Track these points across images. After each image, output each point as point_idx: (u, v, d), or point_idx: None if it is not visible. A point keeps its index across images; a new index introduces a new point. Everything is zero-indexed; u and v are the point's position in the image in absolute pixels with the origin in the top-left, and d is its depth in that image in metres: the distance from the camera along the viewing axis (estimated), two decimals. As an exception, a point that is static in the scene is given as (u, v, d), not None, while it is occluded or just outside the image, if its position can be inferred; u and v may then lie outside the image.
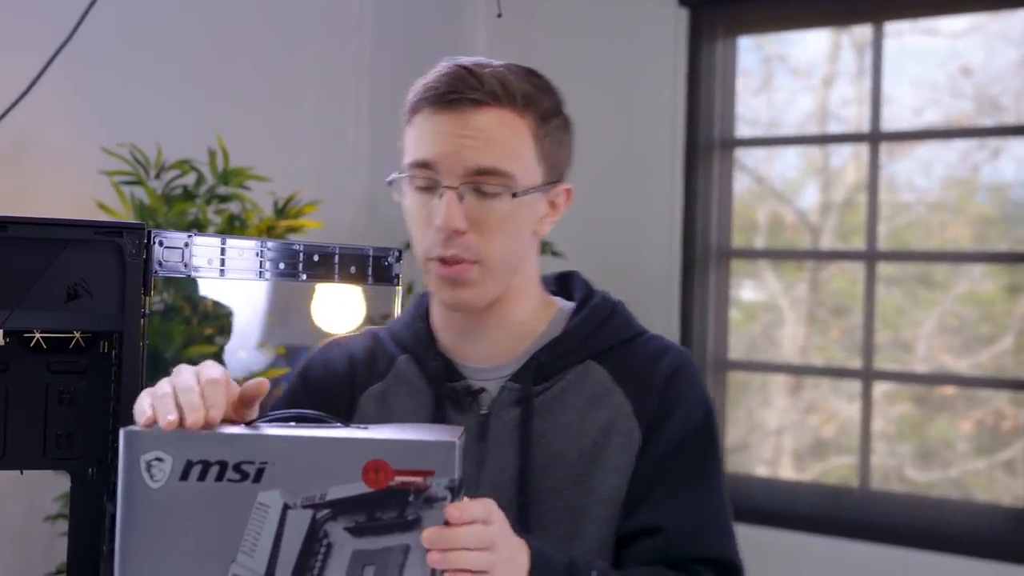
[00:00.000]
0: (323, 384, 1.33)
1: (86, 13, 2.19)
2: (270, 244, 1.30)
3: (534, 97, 1.20)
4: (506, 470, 1.22)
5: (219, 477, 0.90)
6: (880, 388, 3.40)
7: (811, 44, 3.57)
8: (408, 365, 1.29)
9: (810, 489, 3.59)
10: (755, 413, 3.71)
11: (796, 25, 3.55)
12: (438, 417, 1.27)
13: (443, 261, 1.19)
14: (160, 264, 1.19)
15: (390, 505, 0.90)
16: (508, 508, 1.11)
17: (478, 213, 1.16)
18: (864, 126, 3.37)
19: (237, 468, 0.90)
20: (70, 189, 2.76)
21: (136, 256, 1.16)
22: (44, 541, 1.68)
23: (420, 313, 1.31)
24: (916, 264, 3.42)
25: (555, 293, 1.32)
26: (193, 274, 1.25)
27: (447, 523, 0.94)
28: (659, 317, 3.40)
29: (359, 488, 0.90)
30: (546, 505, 1.21)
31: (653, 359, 1.26)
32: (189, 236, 1.22)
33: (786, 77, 3.66)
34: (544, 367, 1.23)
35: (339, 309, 2.44)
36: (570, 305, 1.28)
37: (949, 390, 3.36)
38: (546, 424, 1.23)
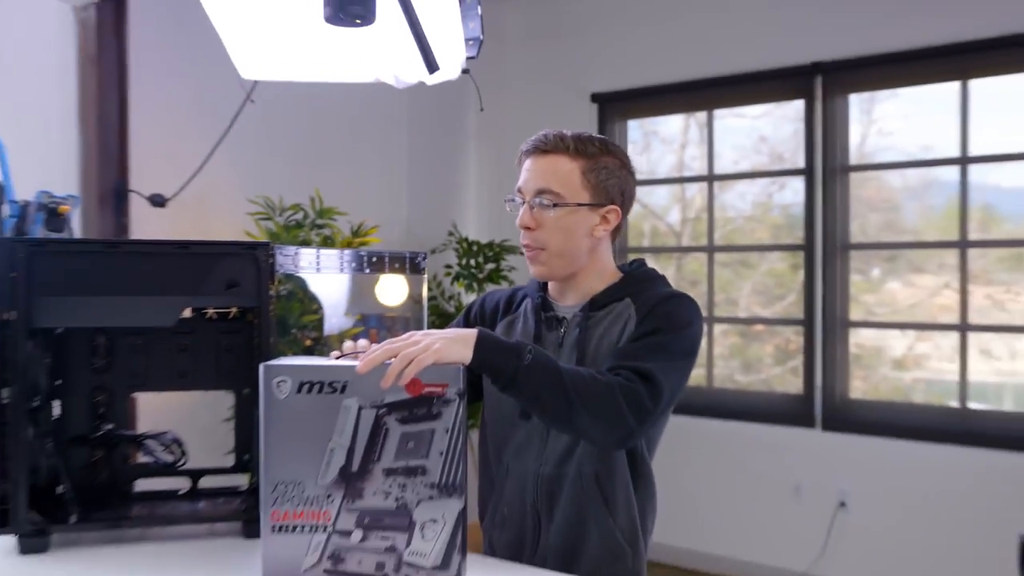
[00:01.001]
0: (477, 318, 1.72)
1: (235, 117, 2.98)
2: (346, 252, 1.66)
3: (586, 149, 1.56)
4: (571, 364, 1.52)
5: (320, 391, 1.15)
6: (719, 328, 4.67)
7: (672, 123, 4.85)
8: (527, 305, 1.67)
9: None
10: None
11: (662, 112, 4.82)
12: (536, 334, 1.61)
13: (526, 247, 1.60)
14: (280, 267, 1.54)
15: (422, 405, 1.16)
16: None
17: (540, 217, 1.56)
18: (704, 171, 4.66)
19: (330, 385, 1.15)
20: (229, 224, 3.57)
21: (265, 262, 1.48)
22: (223, 435, 1.85)
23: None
24: (738, 253, 4.66)
25: (625, 271, 1.66)
26: (299, 272, 1.60)
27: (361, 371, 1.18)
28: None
29: (403, 395, 1.16)
30: None
31: (659, 294, 1.57)
32: (296, 250, 1.56)
33: (657, 144, 4.91)
34: (596, 302, 1.59)
35: (390, 291, 2.50)
36: None
37: (759, 327, 4.63)
38: (592, 333, 1.57)
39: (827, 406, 4.17)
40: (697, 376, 4.60)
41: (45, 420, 1.52)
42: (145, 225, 3.29)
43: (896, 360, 4.23)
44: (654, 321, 1.50)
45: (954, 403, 3.99)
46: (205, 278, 1.49)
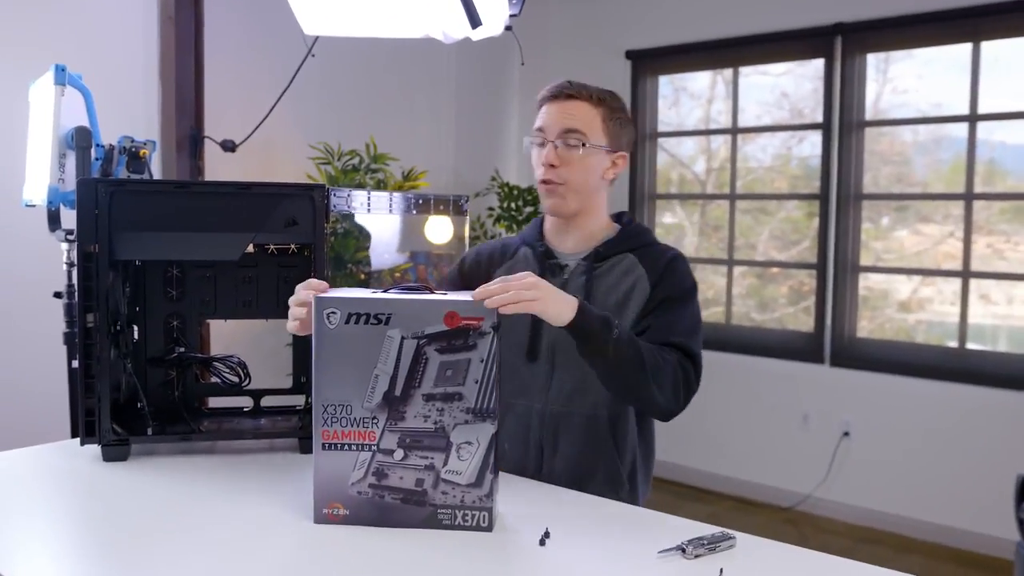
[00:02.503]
0: (471, 268, 1.65)
1: (298, 70, 2.85)
2: (396, 194, 1.63)
3: (604, 99, 1.54)
4: None
5: (366, 322, 1.13)
6: (738, 270, 4.56)
7: (700, 80, 4.71)
8: (526, 252, 1.62)
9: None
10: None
11: (691, 69, 4.67)
12: (540, 277, 1.46)
13: (545, 183, 1.54)
14: (335, 207, 1.51)
15: (459, 336, 1.13)
16: None
17: (564, 155, 1.51)
18: (728, 125, 4.55)
19: (376, 317, 1.13)
20: (292, 168, 3.60)
21: (320, 202, 1.47)
22: (284, 358, 1.79)
23: (537, 225, 1.65)
24: (758, 201, 4.56)
25: (615, 221, 1.63)
26: (354, 212, 1.61)
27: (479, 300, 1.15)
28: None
29: (442, 327, 1.13)
30: None
31: (662, 253, 1.55)
32: (349, 192, 1.53)
33: (686, 98, 4.77)
34: (600, 254, 1.55)
35: (437, 230, 2.58)
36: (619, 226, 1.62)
37: (775, 270, 4.51)
38: (598, 284, 1.52)
39: (835, 344, 4.10)
40: (716, 313, 4.55)
41: (125, 343, 1.53)
42: (218, 168, 3.28)
43: (901, 302, 4.13)
44: (670, 287, 1.49)
45: (953, 343, 3.90)
46: (267, 217, 1.47)
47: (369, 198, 1.60)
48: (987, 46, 3.70)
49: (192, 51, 3.20)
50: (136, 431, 1.50)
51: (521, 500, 1.30)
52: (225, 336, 2.65)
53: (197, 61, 3.23)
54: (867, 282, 4.17)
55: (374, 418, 1.15)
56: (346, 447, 1.16)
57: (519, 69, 4.82)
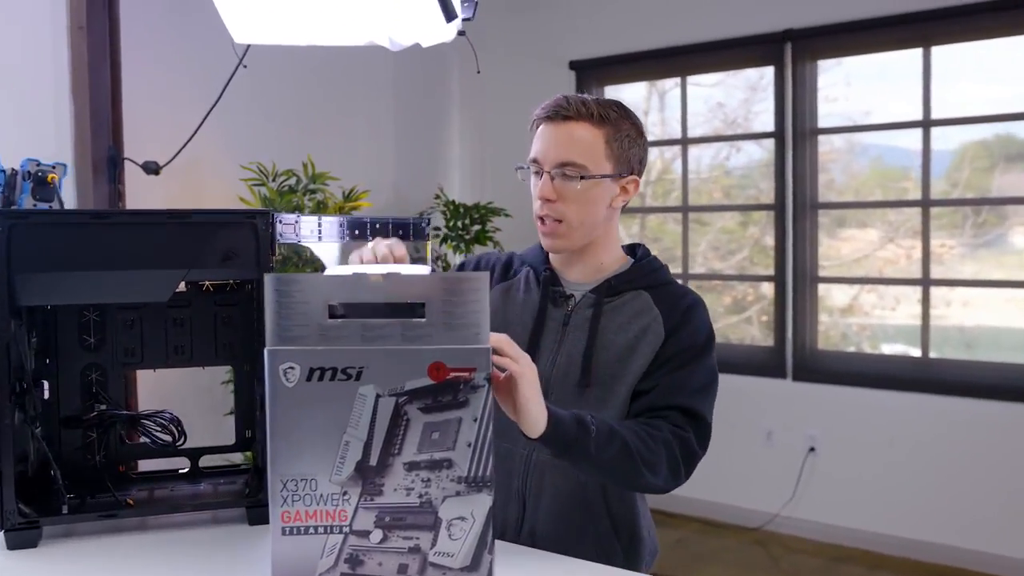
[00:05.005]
0: None
1: (227, 83, 2.62)
2: (348, 219, 1.44)
3: (608, 115, 1.35)
4: (578, 346, 1.37)
5: (332, 377, 0.94)
6: (691, 283, 4.38)
7: (635, 91, 4.65)
8: (529, 275, 1.48)
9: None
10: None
11: (637, 79, 4.61)
12: (542, 308, 1.42)
13: (542, 221, 1.39)
14: (281, 235, 1.34)
15: (447, 392, 0.94)
16: (577, 369, 1.31)
17: (562, 189, 1.36)
18: (668, 136, 4.49)
19: (344, 371, 0.94)
20: (222, 190, 3.34)
21: (265, 231, 1.28)
22: (225, 409, 1.68)
23: (543, 248, 1.48)
24: (696, 213, 4.50)
25: (628, 254, 1.49)
26: (303, 241, 1.39)
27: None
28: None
29: (426, 381, 0.94)
30: (600, 370, 1.34)
31: (680, 296, 1.41)
32: (297, 218, 1.36)
33: None
34: (612, 287, 1.41)
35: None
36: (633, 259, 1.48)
37: (716, 281, 4.49)
38: (607, 321, 1.38)
39: (797, 357, 4.02)
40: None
41: (33, 405, 1.29)
42: (140, 193, 3.02)
43: (842, 309, 4.13)
44: (686, 338, 1.36)
45: (916, 352, 3.86)
46: (201, 249, 1.26)
47: (320, 225, 1.41)
48: (938, 51, 3.69)
49: (107, 63, 2.94)
50: (49, 510, 1.26)
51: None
52: (161, 389, 2.37)
53: (114, 74, 2.96)
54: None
55: (345, 493, 0.95)
56: (311, 530, 0.95)
57: (460, 81, 4.67)
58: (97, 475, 1.38)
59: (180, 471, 1.47)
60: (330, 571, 0.96)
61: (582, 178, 1.34)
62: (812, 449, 3.92)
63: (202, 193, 3.32)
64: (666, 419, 1.29)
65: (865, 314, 4.04)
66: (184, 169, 3.13)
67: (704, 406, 1.33)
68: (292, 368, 0.94)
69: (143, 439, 1.41)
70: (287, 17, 2.19)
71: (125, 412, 1.41)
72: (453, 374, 0.94)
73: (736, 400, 4.08)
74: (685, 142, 4.43)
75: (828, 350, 4.06)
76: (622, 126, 1.37)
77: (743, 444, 4.11)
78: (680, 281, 4.47)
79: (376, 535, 0.96)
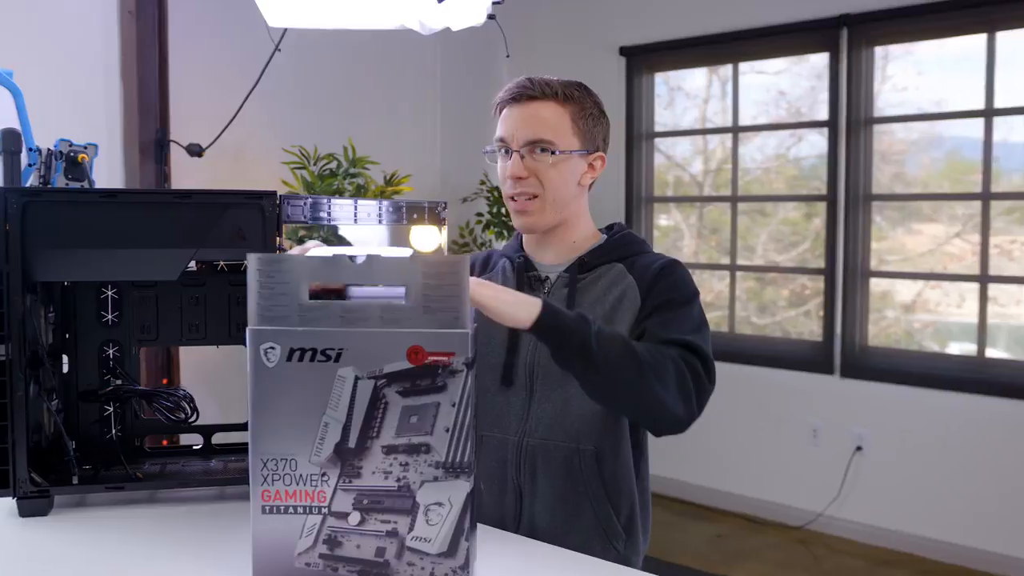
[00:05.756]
0: None
1: (265, 67, 2.81)
2: (365, 203, 1.41)
3: (572, 94, 1.38)
4: None
5: (312, 358, 0.94)
6: (737, 273, 4.44)
7: (695, 78, 4.59)
8: (506, 265, 1.49)
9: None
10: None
11: (688, 66, 4.53)
12: (518, 291, 1.33)
13: (513, 199, 1.40)
14: (288, 216, 1.30)
15: (426, 376, 0.93)
16: None
17: (532, 166, 1.37)
18: (726, 124, 4.41)
19: (324, 353, 0.94)
20: (266, 172, 3.41)
21: (271, 212, 1.27)
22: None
23: (518, 236, 1.52)
24: (756, 203, 4.42)
25: (604, 232, 1.49)
26: (309, 222, 1.35)
27: None
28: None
29: (404, 364, 0.93)
30: None
31: (652, 261, 1.40)
32: (306, 200, 1.33)
33: (682, 97, 4.66)
34: (585, 264, 1.41)
35: (424, 240, 2.95)
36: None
37: (774, 273, 4.40)
38: (582, 297, 1.38)
39: (846, 353, 3.91)
40: (718, 319, 4.38)
41: (48, 376, 1.33)
42: (185, 174, 3.10)
43: (905, 305, 3.97)
44: (666, 292, 1.34)
45: (972, 350, 3.71)
46: (209, 229, 1.27)
47: (329, 207, 1.39)
48: (1003, 37, 3.53)
49: (156, 48, 3.01)
50: (60, 480, 1.30)
51: (497, 566, 1.10)
52: (204, 366, 2.43)
53: (161, 58, 3.04)
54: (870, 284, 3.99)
55: (324, 475, 0.96)
56: (291, 510, 0.96)
57: (508, 65, 4.63)
58: (113, 448, 1.42)
59: (194, 447, 1.50)
60: (309, 551, 0.96)
61: (552, 153, 1.35)
62: (859, 448, 3.82)
63: (245, 175, 3.38)
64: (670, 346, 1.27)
65: (929, 311, 3.92)
66: (228, 152, 3.23)
67: (703, 342, 1.30)
68: (273, 348, 0.95)
69: (158, 415, 1.44)
70: (319, 1, 2.20)
71: (139, 388, 1.45)
72: (431, 358, 0.93)
73: (781, 395, 4.05)
74: (736, 130, 4.33)
75: (878, 346, 3.93)
76: (586, 104, 1.39)
77: (787, 440, 4.03)
78: (727, 273, 4.47)
79: (354, 517, 0.96)
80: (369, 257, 0.95)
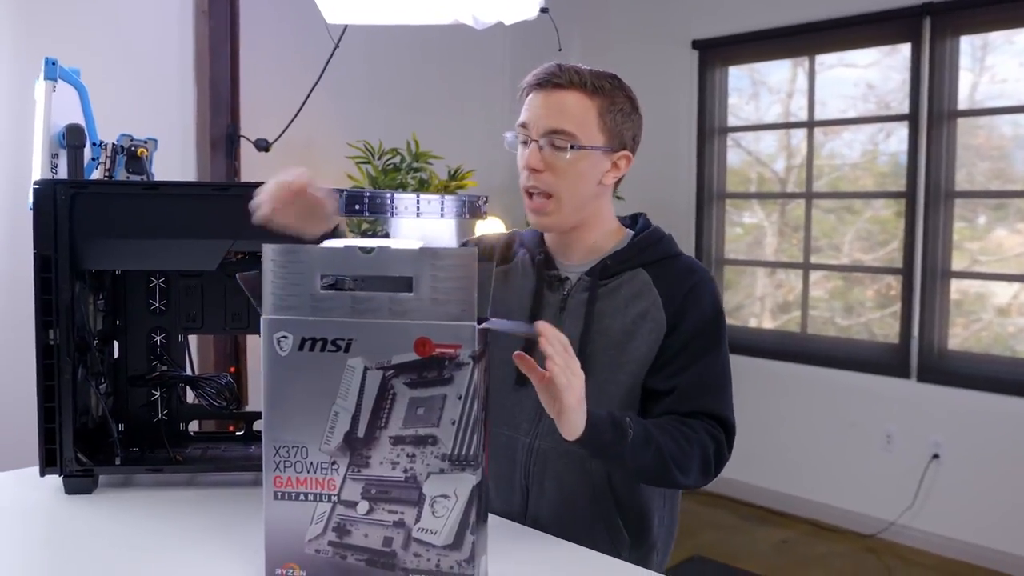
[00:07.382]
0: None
1: (327, 63, 2.83)
2: (402, 196, 1.44)
3: (602, 87, 1.29)
4: (574, 334, 1.29)
5: (323, 348, 0.96)
6: (821, 272, 4.22)
7: (779, 71, 4.36)
8: (525, 258, 1.42)
9: (775, 333, 4.35)
10: (747, 289, 4.51)
11: (764, 58, 4.33)
12: (537, 293, 1.37)
13: (529, 195, 1.32)
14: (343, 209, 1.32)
15: (433, 367, 0.94)
16: None
17: (550, 159, 1.29)
18: (806, 119, 4.23)
19: (334, 343, 0.96)
20: (332, 167, 3.40)
21: None
22: None
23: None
24: (843, 200, 4.21)
25: (628, 226, 1.41)
26: (343, 215, 1.35)
27: (540, 336, 1.04)
28: (683, 232, 4.27)
29: (412, 356, 0.94)
30: (597, 357, 1.29)
31: (683, 273, 1.33)
32: (344, 192, 1.33)
33: (765, 92, 4.45)
34: (608, 268, 1.34)
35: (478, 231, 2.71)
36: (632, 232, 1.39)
37: (859, 273, 4.16)
38: (603, 305, 1.32)
39: (923, 357, 3.75)
40: (791, 321, 4.26)
41: (95, 361, 1.39)
42: (253, 169, 3.18)
43: (1000, 308, 3.74)
44: (697, 325, 1.28)
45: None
46: (247, 221, 1.27)
47: (367, 200, 1.39)
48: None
49: (228, 45, 3.10)
50: (107, 460, 1.36)
51: (510, 559, 1.10)
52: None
53: (233, 56, 3.12)
54: (959, 285, 3.80)
55: (334, 463, 0.97)
56: (302, 496, 0.98)
57: (577, 62, 4.62)
58: (158, 431, 1.47)
59: (237, 433, 1.55)
60: (319, 538, 0.98)
61: (572, 147, 1.27)
62: (936, 456, 3.66)
63: (312, 170, 3.42)
64: (698, 419, 1.26)
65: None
66: (295, 147, 3.28)
67: (730, 408, 1.29)
68: (285, 337, 0.96)
69: (200, 401, 1.49)
70: (374, -3, 2.23)
71: (184, 374, 1.50)
72: (439, 350, 0.93)
73: (854, 399, 3.91)
74: (811, 124, 4.20)
75: (959, 350, 3.76)
76: (616, 98, 1.30)
77: (860, 446, 3.89)
78: (798, 273, 4.41)
79: (363, 506, 0.97)
80: (379, 248, 0.96)
